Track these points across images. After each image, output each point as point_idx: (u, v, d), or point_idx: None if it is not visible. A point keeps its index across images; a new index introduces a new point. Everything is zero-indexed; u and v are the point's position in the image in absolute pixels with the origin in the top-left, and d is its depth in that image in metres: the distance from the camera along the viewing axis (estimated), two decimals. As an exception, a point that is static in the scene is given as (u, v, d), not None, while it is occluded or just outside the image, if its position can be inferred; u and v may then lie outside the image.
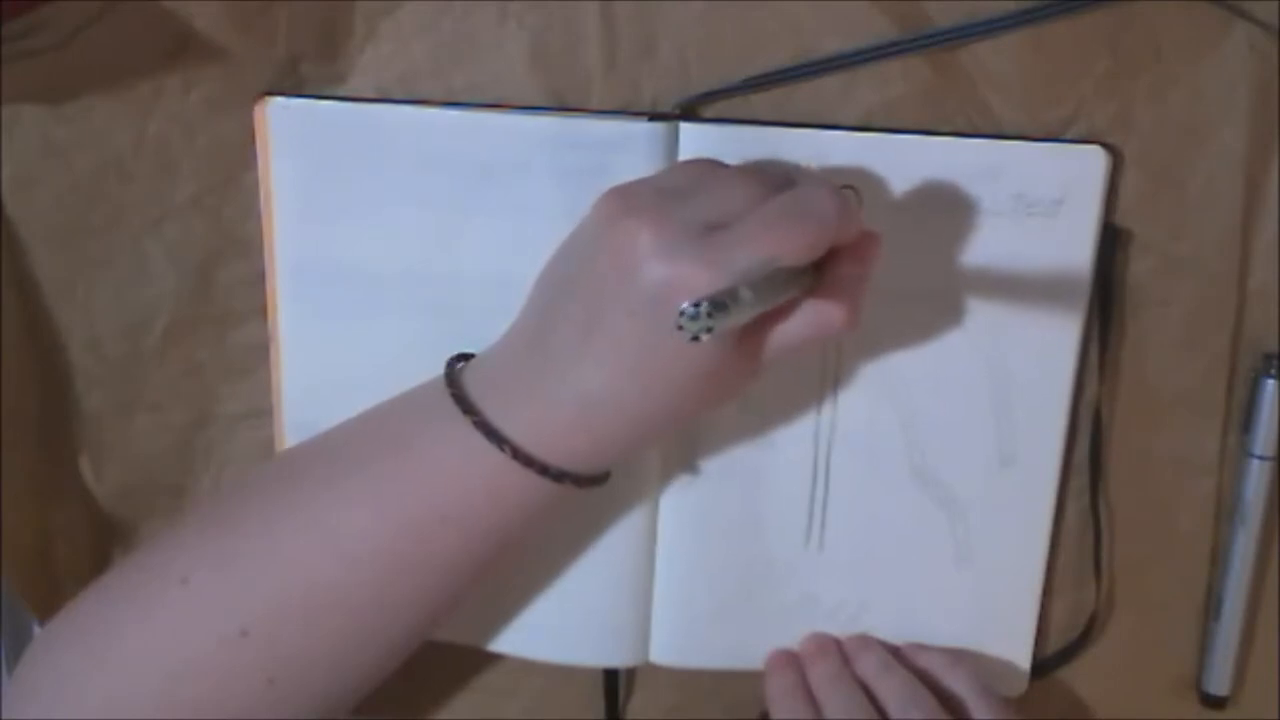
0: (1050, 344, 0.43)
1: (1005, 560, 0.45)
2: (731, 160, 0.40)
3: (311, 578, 0.37)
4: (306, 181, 0.43)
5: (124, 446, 0.47)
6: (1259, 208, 0.42)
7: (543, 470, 0.36)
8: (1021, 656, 0.47)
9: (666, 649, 0.47)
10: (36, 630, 0.47)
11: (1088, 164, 0.41)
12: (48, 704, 0.37)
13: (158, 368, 0.46)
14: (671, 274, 0.33)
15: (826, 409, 0.44)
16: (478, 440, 0.36)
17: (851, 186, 0.41)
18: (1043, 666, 0.47)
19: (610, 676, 0.48)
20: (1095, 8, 0.40)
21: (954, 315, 0.43)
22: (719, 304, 0.29)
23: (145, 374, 0.46)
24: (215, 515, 0.39)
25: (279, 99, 0.42)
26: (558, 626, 0.46)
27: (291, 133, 0.43)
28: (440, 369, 0.39)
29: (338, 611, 0.37)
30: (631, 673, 0.49)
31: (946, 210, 0.42)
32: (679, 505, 0.45)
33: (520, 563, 0.45)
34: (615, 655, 0.47)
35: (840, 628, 0.46)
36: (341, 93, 0.43)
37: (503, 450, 0.36)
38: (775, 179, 0.36)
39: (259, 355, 0.46)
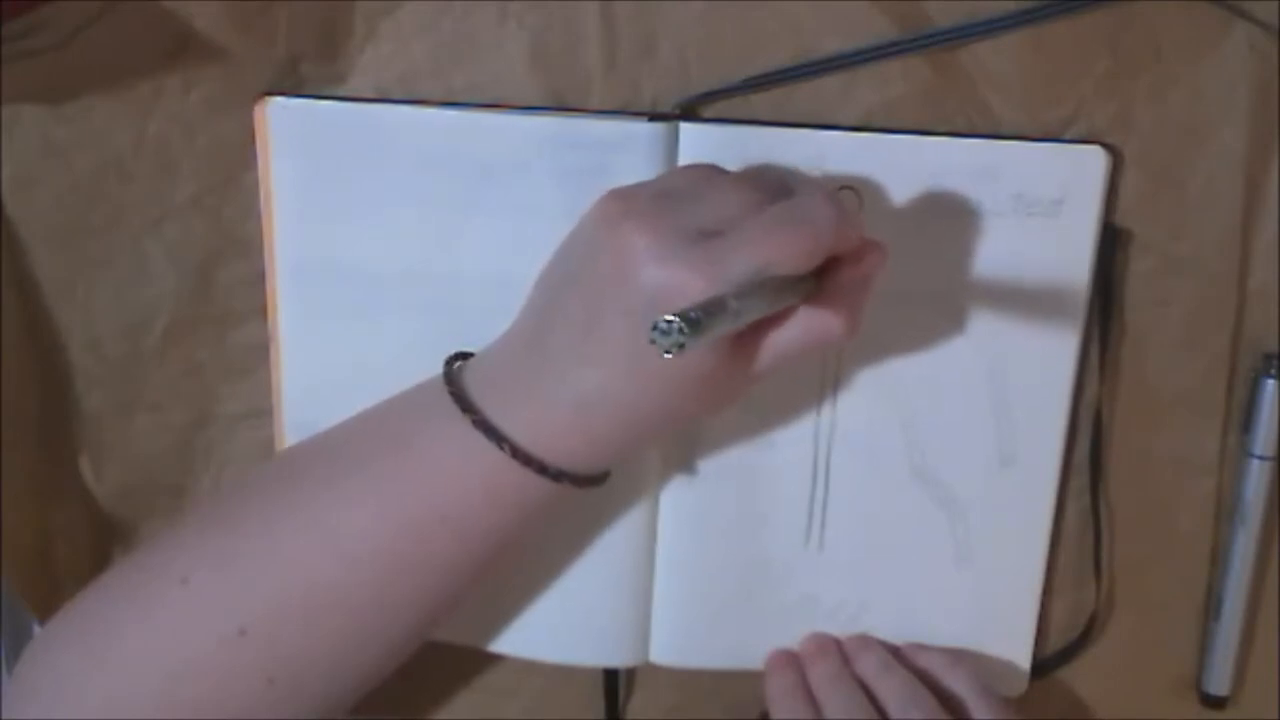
0: (1050, 344, 0.43)
1: (1005, 560, 0.45)
2: (731, 161, 0.40)
3: (311, 577, 0.37)
4: (306, 181, 0.43)
5: (124, 446, 0.47)
6: (1259, 208, 0.42)
7: (541, 469, 0.36)
8: (1021, 656, 0.47)
9: (666, 649, 0.47)
10: (36, 630, 0.47)
11: (1088, 164, 0.41)
12: (48, 704, 0.37)
13: (158, 368, 0.46)
14: (668, 278, 0.33)
15: (826, 409, 0.44)
16: (477, 439, 0.36)
17: (851, 187, 0.41)
18: (1043, 666, 0.47)
19: (610, 676, 0.48)
20: (1095, 8, 0.40)
21: (954, 315, 0.43)
22: (693, 320, 0.29)
23: (145, 374, 0.46)
24: (215, 515, 0.40)
25: (279, 99, 0.42)
26: (558, 626, 0.46)
27: (291, 133, 0.43)
28: (440, 369, 0.39)
29: (338, 611, 0.37)
30: (631, 673, 0.49)
31: (946, 211, 0.42)
32: (679, 505, 0.45)
33: (520, 563, 0.45)
34: (615, 655, 0.47)
35: (840, 628, 0.46)
36: (341, 93, 0.43)
37: (502, 449, 0.36)
38: (774, 186, 0.36)
39: (259, 355, 0.46)
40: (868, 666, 0.44)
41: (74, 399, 0.46)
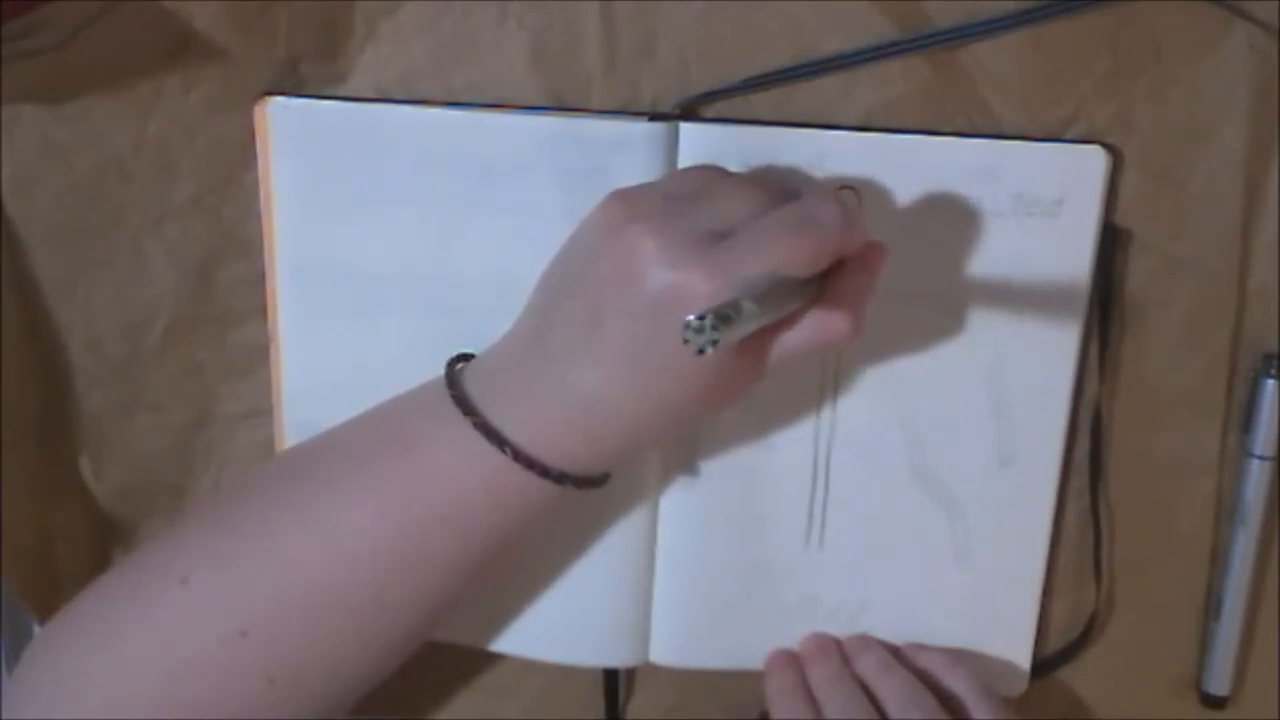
0: (1050, 344, 0.43)
1: (1005, 560, 0.45)
2: (731, 161, 0.40)
3: (311, 578, 0.37)
4: (306, 181, 0.43)
5: (124, 446, 0.47)
6: (1259, 208, 0.42)
7: (543, 472, 0.36)
8: (1021, 656, 0.47)
9: (666, 649, 0.47)
10: (37, 630, 0.47)
11: (1088, 164, 0.41)
12: (48, 704, 0.37)
13: (158, 368, 0.46)
14: (675, 281, 0.33)
15: (826, 409, 0.44)
16: (477, 441, 0.36)
17: (851, 187, 0.41)
18: (1043, 666, 0.47)
19: (610, 676, 0.48)
20: (1095, 8, 0.40)
21: (954, 315, 0.43)
22: (723, 316, 0.29)
23: (145, 374, 0.46)
24: (215, 515, 0.40)
25: (279, 99, 0.42)
26: (558, 626, 0.46)
27: (291, 133, 0.43)
28: (440, 369, 0.39)
29: (338, 611, 0.37)
30: (631, 673, 0.49)
31: (946, 211, 0.42)
32: (679, 505, 0.45)
33: (520, 563, 0.45)
34: (615, 655, 0.47)
35: (840, 628, 0.46)
36: (341, 93, 0.43)
37: (503, 451, 0.36)
38: (780, 188, 0.36)
39: (259, 355, 0.46)
40: (868, 666, 0.44)
41: (74, 399, 0.46)
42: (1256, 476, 0.44)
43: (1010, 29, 0.40)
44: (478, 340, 0.39)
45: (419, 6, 0.42)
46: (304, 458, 0.40)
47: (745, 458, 0.44)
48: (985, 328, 0.43)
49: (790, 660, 0.46)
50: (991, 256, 0.42)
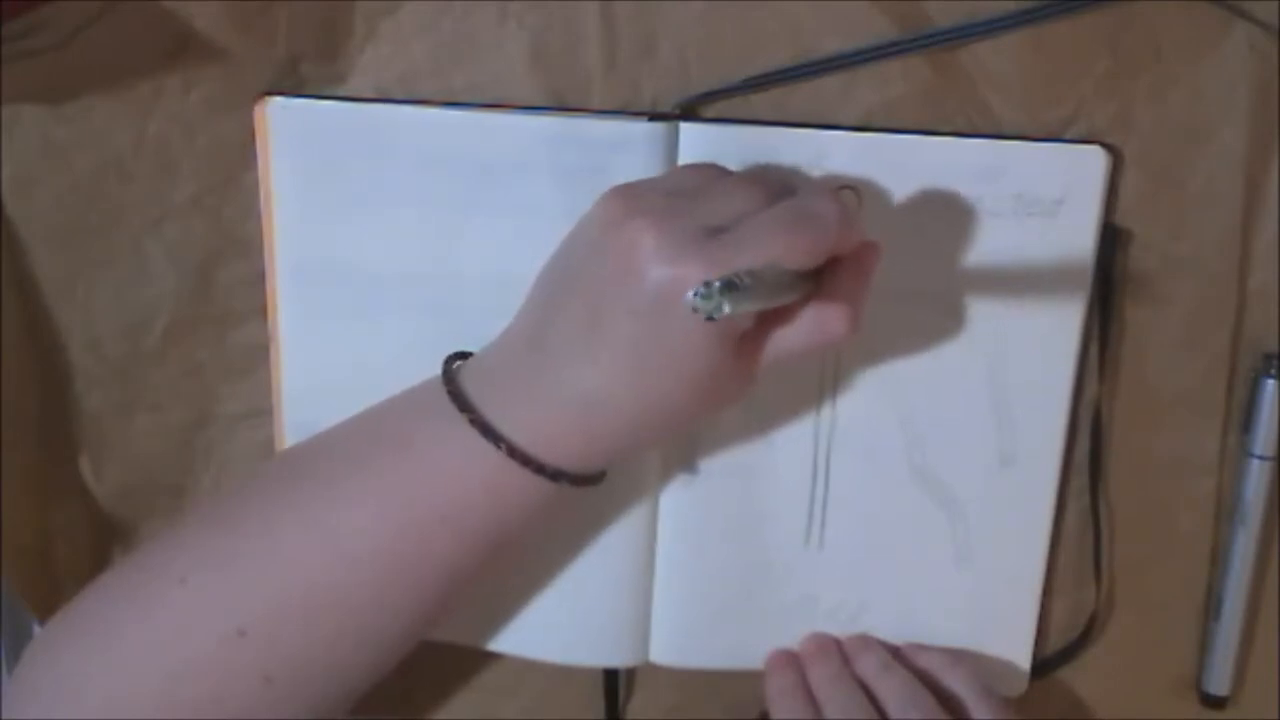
0: (1050, 344, 0.43)
1: (1005, 560, 0.45)
2: (731, 161, 0.40)
3: (310, 577, 0.37)
4: (306, 181, 0.43)
5: (124, 446, 0.47)
6: (1259, 208, 0.42)
7: (539, 469, 0.36)
8: (1021, 656, 0.47)
9: (666, 649, 0.47)
10: (36, 630, 0.47)
11: (1088, 164, 0.41)
12: (48, 704, 0.37)
13: (158, 368, 0.46)
14: (674, 276, 0.33)
15: (826, 409, 0.44)
16: (475, 439, 0.36)
17: (851, 187, 0.41)
18: (1043, 666, 0.47)
19: (610, 676, 0.48)
20: (1095, 8, 0.40)
21: (954, 315, 0.43)
22: (729, 283, 0.30)
23: (145, 374, 0.46)
24: (214, 515, 0.40)
25: (279, 99, 0.42)
26: (558, 626, 0.46)
27: (291, 133, 0.43)
28: (440, 369, 0.39)
29: (337, 611, 0.37)
30: (631, 673, 0.49)
31: (946, 210, 0.42)
32: (679, 505, 0.45)
33: (520, 562, 0.45)
34: (615, 655, 0.47)
35: (840, 628, 0.46)
36: (341, 93, 0.43)
37: (499, 449, 0.36)
38: (777, 185, 0.36)
39: (259, 355, 0.46)
40: (868, 666, 0.44)
41: (74, 399, 0.46)
42: (1256, 476, 0.44)
43: (1010, 29, 0.40)
44: (478, 340, 0.39)
45: (419, 6, 0.42)
46: (303, 458, 0.40)
47: (745, 457, 0.44)
48: (985, 328, 0.43)
49: (790, 660, 0.46)
50: (991, 256, 0.42)
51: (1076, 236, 0.42)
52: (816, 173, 0.41)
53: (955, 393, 0.44)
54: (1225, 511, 0.46)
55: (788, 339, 0.36)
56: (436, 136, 0.42)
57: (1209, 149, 0.41)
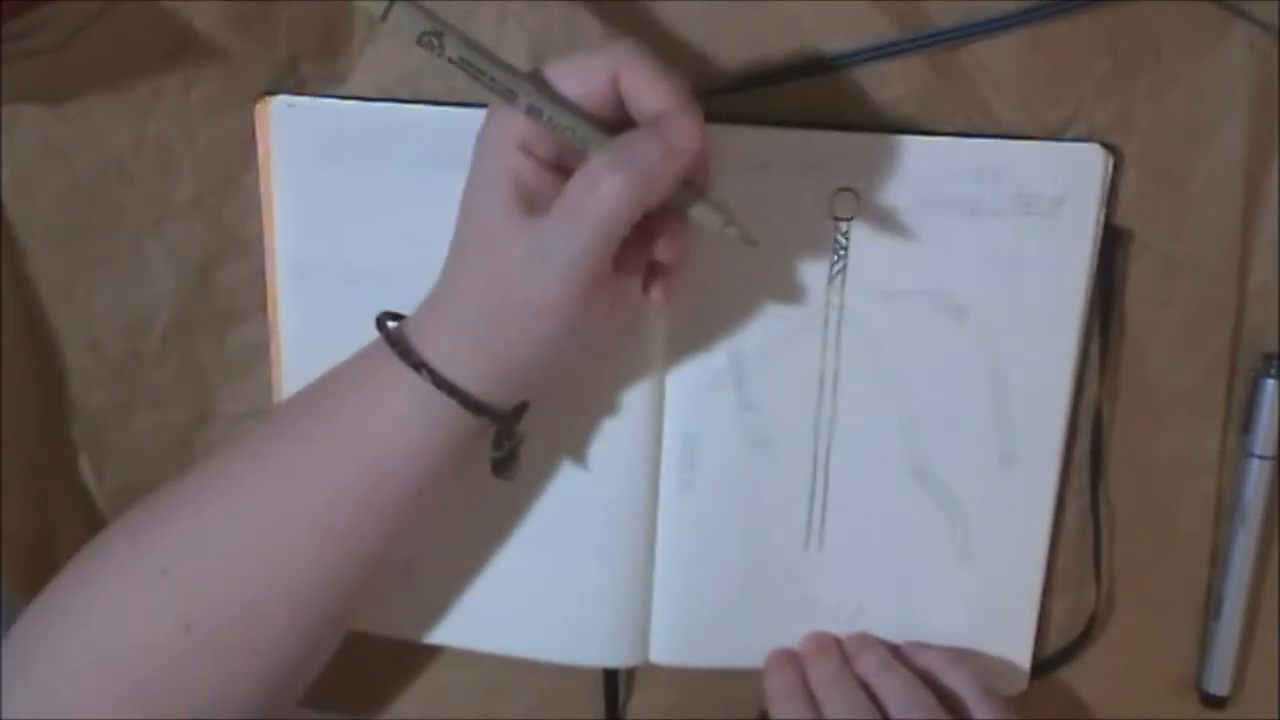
0: (1050, 344, 0.43)
1: (1005, 560, 0.45)
2: (731, 160, 0.40)
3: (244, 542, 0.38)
4: (306, 181, 0.43)
5: (124, 446, 0.47)
6: (1259, 208, 0.42)
7: (463, 400, 0.37)
8: (1021, 656, 0.47)
9: (666, 649, 0.47)
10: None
11: (1088, 164, 0.41)
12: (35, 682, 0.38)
13: (158, 368, 0.46)
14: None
15: (826, 409, 0.44)
16: (398, 365, 0.37)
17: (851, 187, 0.41)
18: (1043, 666, 0.47)
19: (610, 676, 0.48)
20: (1095, 8, 0.40)
21: (954, 315, 0.43)
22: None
23: (145, 374, 0.46)
24: (179, 496, 0.40)
25: (279, 99, 0.42)
26: (558, 626, 0.46)
27: (291, 133, 0.43)
28: None
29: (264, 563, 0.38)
30: (631, 673, 0.49)
31: (946, 210, 0.42)
32: (679, 505, 0.45)
33: (520, 562, 0.45)
34: (615, 655, 0.47)
35: (840, 627, 0.46)
36: (342, 92, 0.43)
37: (420, 374, 0.36)
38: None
39: (259, 355, 0.46)
40: (868, 666, 0.44)
41: (74, 399, 0.46)
42: (1256, 476, 0.44)
43: (1010, 29, 0.40)
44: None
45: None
46: (248, 432, 0.40)
47: (745, 457, 0.44)
48: (985, 328, 0.43)
49: (790, 659, 0.46)
50: (991, 256, 0.42)
51: (1076, 236, 0.42)
52: (817, 173, 0.41)
53: (955, 392, 0.44)
54: (1225, 511, 0.46)
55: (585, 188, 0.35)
56: (436, 136, 0.42)
57: (1209, 149, 0.41)
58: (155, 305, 0.45)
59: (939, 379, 0.44)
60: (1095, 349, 0.44)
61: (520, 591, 0.46)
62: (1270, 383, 0.43)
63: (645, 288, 0.39)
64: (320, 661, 0.41)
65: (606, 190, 0.33)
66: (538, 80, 0.34)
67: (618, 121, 0.35)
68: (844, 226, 0.42)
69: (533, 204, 0.35)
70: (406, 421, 0.37)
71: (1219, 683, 0.47)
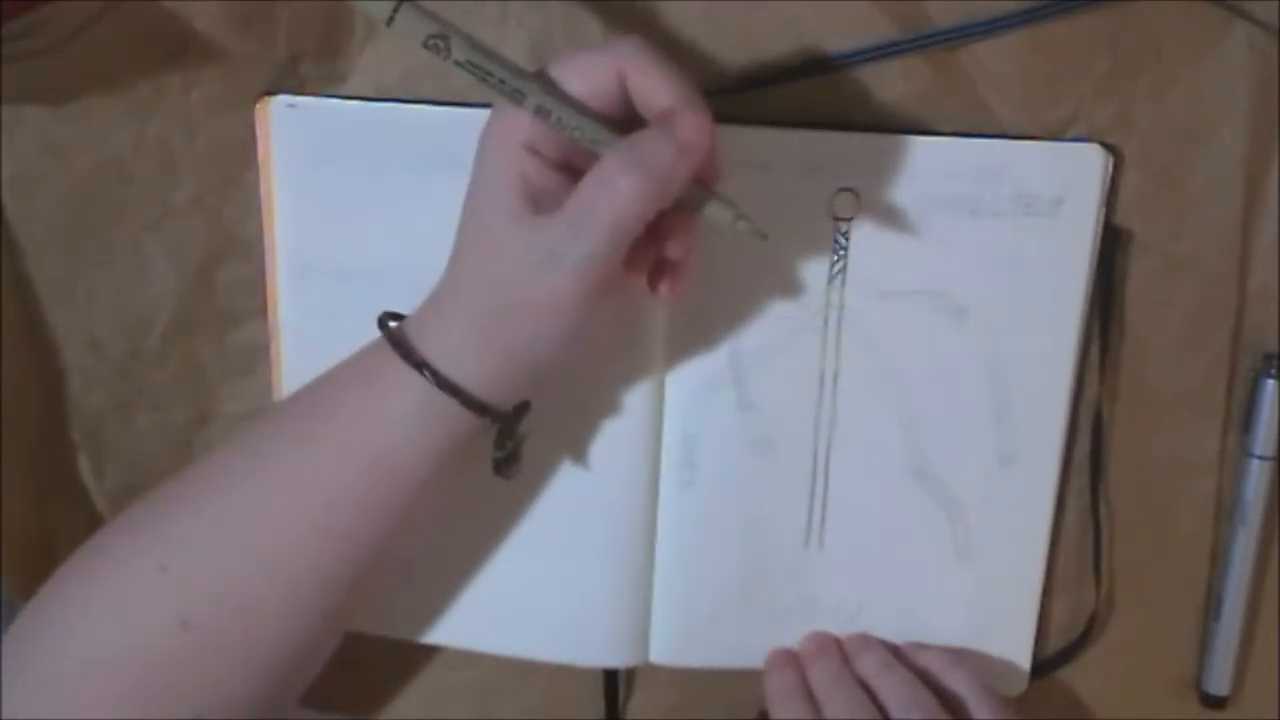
0: (1050, 344, 0.43)
1: (1005, 560, 0.45)
2: (730, 161, 0.40)
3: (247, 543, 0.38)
4: (306, 181, 0.43)
5: (124, 446, 0.47)
6: (1259, 208, 0.42)
7: (466, 400, 0.37)
8: (1021, 656, 0.47)
9: (666, 649, 0.47)
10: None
11: (1088, 164, 0.41)
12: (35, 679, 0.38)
13: (158, 368, 0.46)
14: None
15: (826, 409, 0.44)
16: (400, 365, 0.37)
17: (851, 188, 0.41)
18: (1043, 666, 0.47)
19: (610, 676, 0.48)
20: (1095, 8, 0.40)
21: (954, 315, 0.43)
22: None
23: (145, 374, 0.46)
24: (179, 495, 0.39)
25: (279, 99, 0.42)
26: (558, 626, 0.46)
27: (291, 133, 0.43)
28: None
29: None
30: (631, 673, 0.49)
31: (946, 210, 0.42)
32: (679, 505, 0.45)
33: (520, 562, 0.45)
34: (615, 655, 0.47)
35: (840, 627, 0.46)
36: (342, 92, 0.43)
37: (422, 374, 0.36)
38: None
39: (259, 355, 0.46)
40: (868, 666, 0.44)
41: (74, 399, 0.46)
42: (1256, 476, 0.44)
43: (1010, 29, 0.40)
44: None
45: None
46: (246, 431, 0.40)
47: (745, 457, 0.44)
48: (985, 328, 0.43)
49: (790, 659, 0.46)
50: (991, 256, 0.42)
51: (1076, 236, 0.42)
52: (817, 173, 0.41)
53: (955, 392, 0.44)
54: (1225, 511, 0.46)
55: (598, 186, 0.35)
56: (437, 136, 0.42)
57: (1209, 149, 0.41)
58: (155, 305, 0.45)
59: (939, 379, 0.44)
60: (1095, 349, 0.44)
61: (520, 591, 0.46)
62: (1270, 383, 0.43)
63: (652, 284, 0.39)
64: (320, 661, 0.41)
65: (622, 191, 0.33)
66: (545, 81, 0.34)
67: (624, 118, 0.35)
68: (844, 226, 0.42)
69: (540, 203, 0.35)
70: (407, 421, 0.37)
71: (1219, 683, 0.47)
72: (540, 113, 0.34)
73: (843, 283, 0.43)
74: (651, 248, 0.37)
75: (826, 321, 0.43)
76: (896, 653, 0.45)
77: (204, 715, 0.37)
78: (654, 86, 0.34)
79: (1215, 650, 0.47)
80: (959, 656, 0.45)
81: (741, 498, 0.45)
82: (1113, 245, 0.42)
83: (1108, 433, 0.45)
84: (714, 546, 0.45)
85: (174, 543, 0.38)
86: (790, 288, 0.43)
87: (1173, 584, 0.47)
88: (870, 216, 0.42)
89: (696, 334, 0.43)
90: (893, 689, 0.43)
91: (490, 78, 0.34)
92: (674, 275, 0.38)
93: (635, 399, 0.44)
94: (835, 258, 0.42)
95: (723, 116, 0.41)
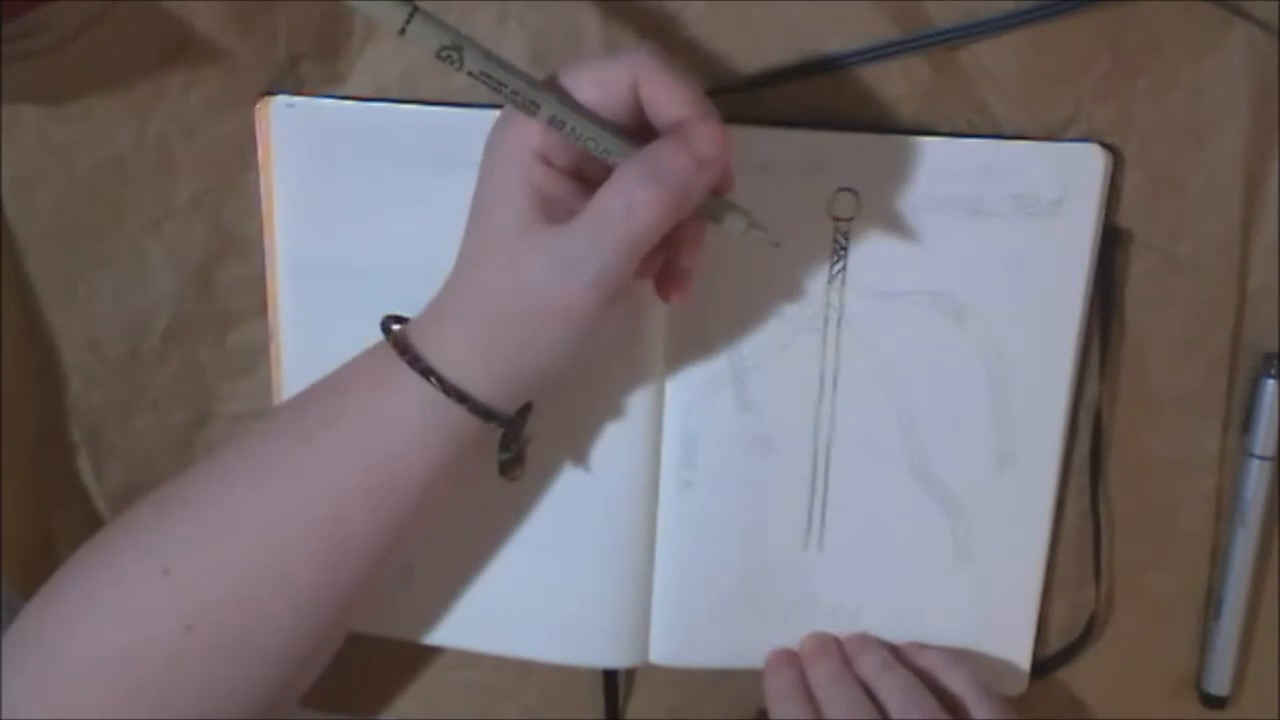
0: (1050, 344, 0.43)
1: (1005, 560, 0.45)
2: (731, 162, 0.40)
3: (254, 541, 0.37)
4: (306, 181, 0.43)
5: (124, 446, 0.47)
6: (1259, 208, 0.42)
7: (472, 406, 0.36)
8: (1021, 656, 0.47)
9: (666, 649, 0.47)
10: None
11: (1087, 164, 0.41)
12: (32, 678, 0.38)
13: (158, 368, 0.46)
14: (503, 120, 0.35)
15: (826, 409, 0.44)
16: (405, 370, 0.37)
17: (851, 188, 0.41)
18: (1043, 666, 0.47)
19: (610, 676, 0.48)
20: (1095, 8, 0.40)
21: (954, 315, 0.43)
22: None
23: (145, 374, 0.46)
24: (180, 496, 0.39)
25: (279, 99, 0.42)
26: (558, 626, 0.46)
27: (291, 133, 0.43)
28: None
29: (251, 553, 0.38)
30: (631, 673, 0.49)
31: (946, 210, 0.42)
32: (679, 505, 0.45)
33: (520, 563, 0.45)
34: (615, 655, 0.47)
35: (840, 627, 0.46)
36: (341, 93, 0.43)
37: (429, 381, 0.36)
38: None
39: (259, 355, 0.46)
40: (868, 666, 0.44)
41: (74, 399, 0.46)
42: (1256, 476, 0.44)
43: (1010, 29, 0.40)
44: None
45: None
46: (248, 433, 0.40)
47: (745, 457, 0.44)
48: (985, 328, 0.43)
49: (790, 659, 0.46)
50: (991, 256, 0.42)
51: (1076, 237, 0.42)
52: (817, 173, 0.41)
53: (955, 393, 0.44)
54: (1225, 511, 0.46)
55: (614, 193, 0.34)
56: (436, 137, 0.42)
57: (1209, 149, 0.41)
58: (155, 305, 0.45)
59: (938, 379, 0.44)
60: (1095, 349, 0.44)
61: (520, 591, 0.46)
62: (1270, 383, 0.43)
63: (660, 289, 0.38)
64: (321, 663, 0.41)
65: (642, 205, 0.33)
66: (558, 90, 0.34)
67: (635, 127, 0.35)
68: (844, 226, 0.42)
69: (550, 212, 0.35)
70: (412, 426, 0.37)
71: (1219, 683, 0.47)
72: (554, 123, 0.34)
73: (842, 283, 0.43)
74: (661, 254, 0.37)
75: (826, 322, 0.43)
76: (896, 653, 0.45)
77: (205, 716, 0.38)
78: (668, 97, 0.34)
79: (1215, 650, 0.47)
80: (959, 657, 0.45)
81: (741, 498, 0.45)
82: (1113, 245, 0.42)
83: (1108, 433, 0.45)
84: (714, 547, 0.45)
85: (176, 545, 0.38)
86: (790, 288, 0.43)
87: (1173, 584, 0.47)
88: (870, 216, 0.42)
89: (696, 334, 0.43)
90: (893, 689, 0.43)
91: (504, 88, 0.34)
92: (683, 280, 0.38)
93: (635, 399, 0.44)
94: (835, 258, 0.42)
95: (723, 116, 0.42)
